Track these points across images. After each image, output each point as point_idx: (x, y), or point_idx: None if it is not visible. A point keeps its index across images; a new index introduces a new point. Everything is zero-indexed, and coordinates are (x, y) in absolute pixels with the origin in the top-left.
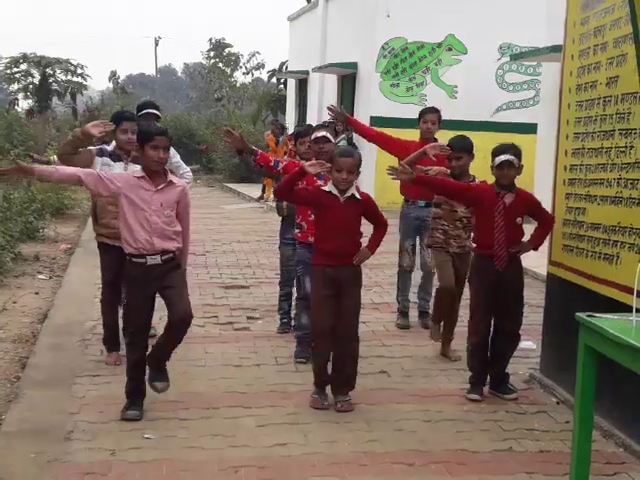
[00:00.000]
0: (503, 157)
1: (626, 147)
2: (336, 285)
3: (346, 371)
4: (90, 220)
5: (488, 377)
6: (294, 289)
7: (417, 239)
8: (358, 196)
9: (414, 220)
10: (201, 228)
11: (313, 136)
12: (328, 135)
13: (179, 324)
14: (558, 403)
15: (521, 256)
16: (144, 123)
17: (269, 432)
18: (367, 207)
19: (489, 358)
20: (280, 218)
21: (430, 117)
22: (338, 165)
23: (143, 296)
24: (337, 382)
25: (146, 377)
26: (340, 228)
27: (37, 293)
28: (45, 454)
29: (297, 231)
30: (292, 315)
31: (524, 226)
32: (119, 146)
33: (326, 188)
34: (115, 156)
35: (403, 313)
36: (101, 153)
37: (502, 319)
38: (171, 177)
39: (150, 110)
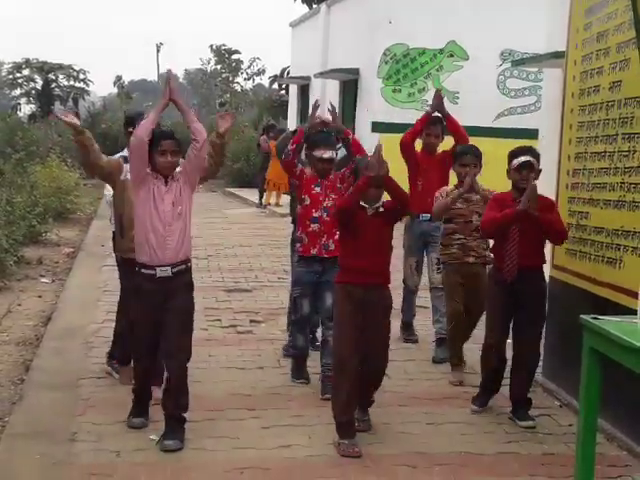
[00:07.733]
0: (523, 158)
1: (629, 151)
2: (363, 310)
3: (368, 396)
4: (93, 223)
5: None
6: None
7: (424, 256)
8: (382, 209)
9: (419, 237)
10: (203, 232)
11: (319, 155)
12: (333, 155)
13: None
14: (561, 406)
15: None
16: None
17: (273, 434)
18: (390, 207)
19: (511, 380)
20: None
21: (434, 130)
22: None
23: (149, 308)
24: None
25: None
26: (368, 243)
27: (40, 296)
28: (50, 456)
29: (298, 245)
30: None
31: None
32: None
33: None
34: None
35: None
36: (126, 160)
37: (517, 338)
38: (174, 173)
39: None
